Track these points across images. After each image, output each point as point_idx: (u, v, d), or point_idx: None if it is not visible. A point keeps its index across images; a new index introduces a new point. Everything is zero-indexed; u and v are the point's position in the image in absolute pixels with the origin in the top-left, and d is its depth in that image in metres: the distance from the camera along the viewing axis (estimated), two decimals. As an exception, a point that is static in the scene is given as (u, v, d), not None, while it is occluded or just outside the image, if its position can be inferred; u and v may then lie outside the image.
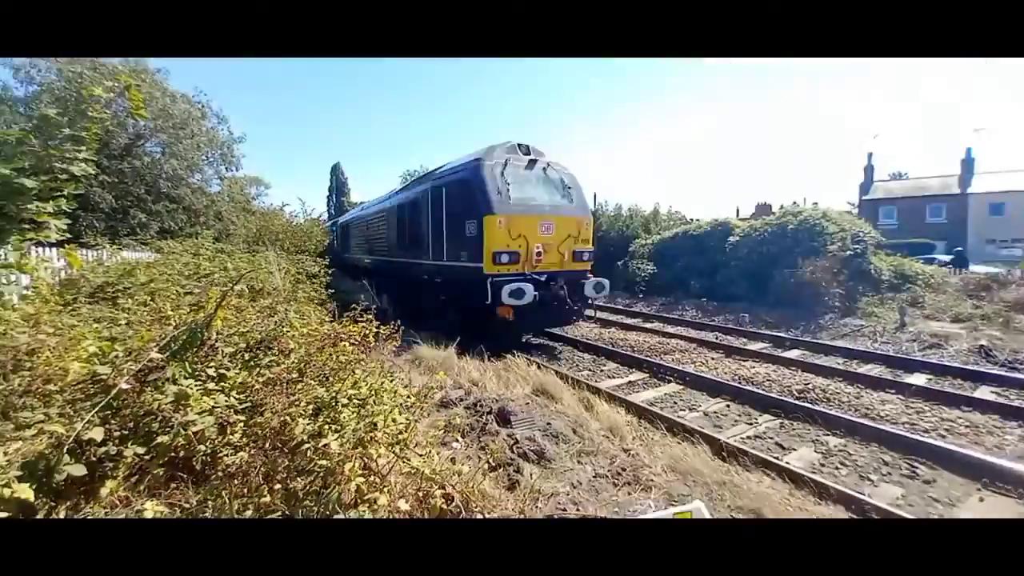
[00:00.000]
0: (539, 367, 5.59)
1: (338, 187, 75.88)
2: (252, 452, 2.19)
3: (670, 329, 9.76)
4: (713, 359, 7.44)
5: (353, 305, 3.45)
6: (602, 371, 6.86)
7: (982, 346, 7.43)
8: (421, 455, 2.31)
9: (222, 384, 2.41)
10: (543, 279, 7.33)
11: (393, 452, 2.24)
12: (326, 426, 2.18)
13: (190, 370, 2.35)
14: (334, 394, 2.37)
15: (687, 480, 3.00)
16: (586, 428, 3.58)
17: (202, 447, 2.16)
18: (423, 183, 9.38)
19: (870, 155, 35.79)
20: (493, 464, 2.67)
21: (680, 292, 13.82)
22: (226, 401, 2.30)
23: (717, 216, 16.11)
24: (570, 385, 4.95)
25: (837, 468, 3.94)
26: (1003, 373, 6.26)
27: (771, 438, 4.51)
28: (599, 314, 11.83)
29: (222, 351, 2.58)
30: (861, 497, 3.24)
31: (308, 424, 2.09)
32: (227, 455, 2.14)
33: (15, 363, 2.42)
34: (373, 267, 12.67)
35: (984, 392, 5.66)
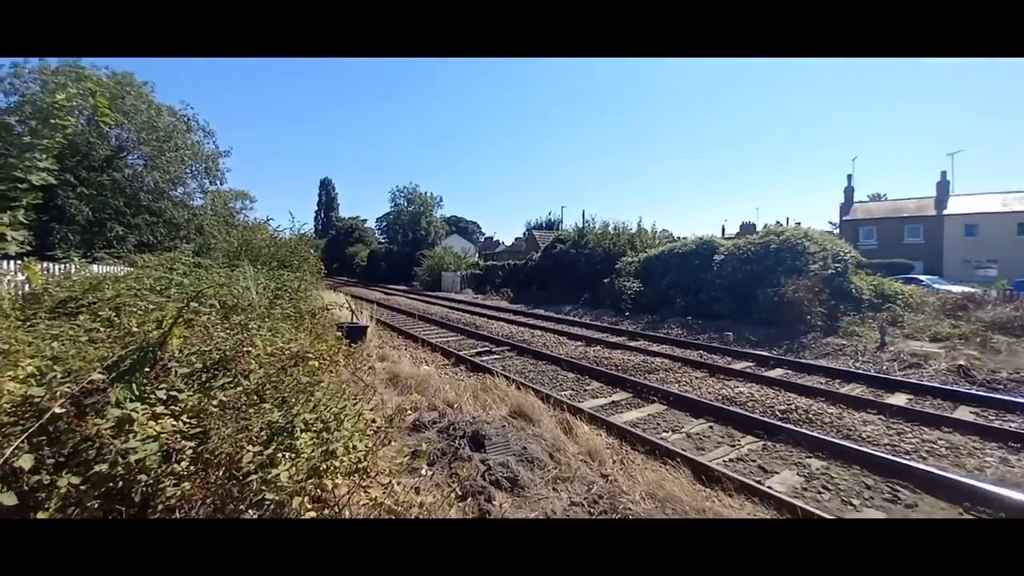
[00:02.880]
0: (519, 387, 5.47)
1: (327, 202, 75.25)
2: (198, 483, 2.04)
3: (655, 347, 9.73)
4: (697, 378, 7.39)
5: (338, 322, 3.34)
6: (586, 391, 6.76)
7: (960, 366, 7.50)
8: (383, 485, 2.18)
9: (172, 408, 2.26)
10: None
11: (352, 481, 2.11)
12: (279, 454, 2.04)
13: (138, 393, 2.21)
14: (291, 419, 2.24)
15: (666, 508, 2.90)
16: (564, 452, 3.47)
17: (143, 476, 2.01)
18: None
19: (850, 177, 36.88)
20: (462, 493, 2.54)
21: (666, 310, 13.85)
22: (174, 426, 2.16)
23: (703, 234, 16.31)
24: (551, 406, 4.84)
25: (820, 492, 3.87)
26: (981, 393, 6.30)
27: (754, 460, 4.44)
28: (586, 332, 11.79)
29: (176, 371, 2.44)
30: (843, 524, 3.16)
31: (257, 452, 1.96)
32: (170, 485, 1.99)
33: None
34: None
35: (963, 412, 5.68)
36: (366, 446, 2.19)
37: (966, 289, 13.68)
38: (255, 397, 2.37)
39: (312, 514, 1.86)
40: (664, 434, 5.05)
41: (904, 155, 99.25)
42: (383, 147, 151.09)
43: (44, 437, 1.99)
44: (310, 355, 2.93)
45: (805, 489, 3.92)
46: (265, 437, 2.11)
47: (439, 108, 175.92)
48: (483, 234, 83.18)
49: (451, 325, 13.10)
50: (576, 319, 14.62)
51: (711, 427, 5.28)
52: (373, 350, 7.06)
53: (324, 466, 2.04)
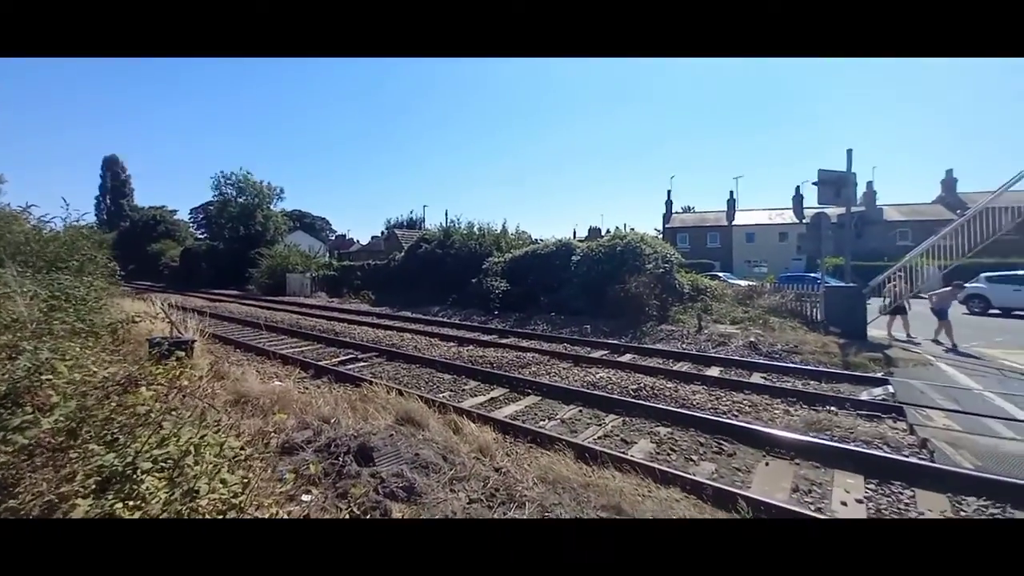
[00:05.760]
0: (400, 393, 5.25)
1: (115, 187, 59.61)
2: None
3: (525, 343, 10.28)
4: (564, 368, 8.04)
5: (154, 337, 2.71)
6: (464, 390, 6.80)
7: (752, 342, 9.62)
8: (264, 518, 1.88)
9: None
10: None
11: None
12: (119, 503, 1.61)
13: None
14: (130, 458, 1.78)
15: (557, 488, 3.10)
16: (456, 453, 3.44)
17: None
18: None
19: (669, 192, 44.60)
20: (357, 512, 2.33)
21: (532, 307, 14.75)
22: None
23: (561, 237, 17.81)
24: (436, 409, 4.75)
25: (669, 454, 4.56)
26: (767, 362, 8.19)
27: (617, 435, 5.02)
28: (457, 332, 11.86)
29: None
30: (689, 477, 3.79)
31: (91, 506, 1.52)
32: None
33: None
34: None
35: (756, 378, 7.30)
36: (241, 478, 1.86)
37: (750, 283, 17.56)
38: (71, 437, 1.82)
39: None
40: (542, 422, 5.39)
41: (709, 174, 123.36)
42: (196, 130, 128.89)
43: None
44: (138, 381, 2.37)
45: (658, 453, 4.58)
46: (94, 485, 1.64)
47: (273, 95, 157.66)
48: (334, 231, 76.63)
49: (305, 333, 11.79)
50: (446, 320, 14.58)
51: (580, 411, 5.81)
52: (205, 368, 5.92)
53: (186, 509, 1.67)
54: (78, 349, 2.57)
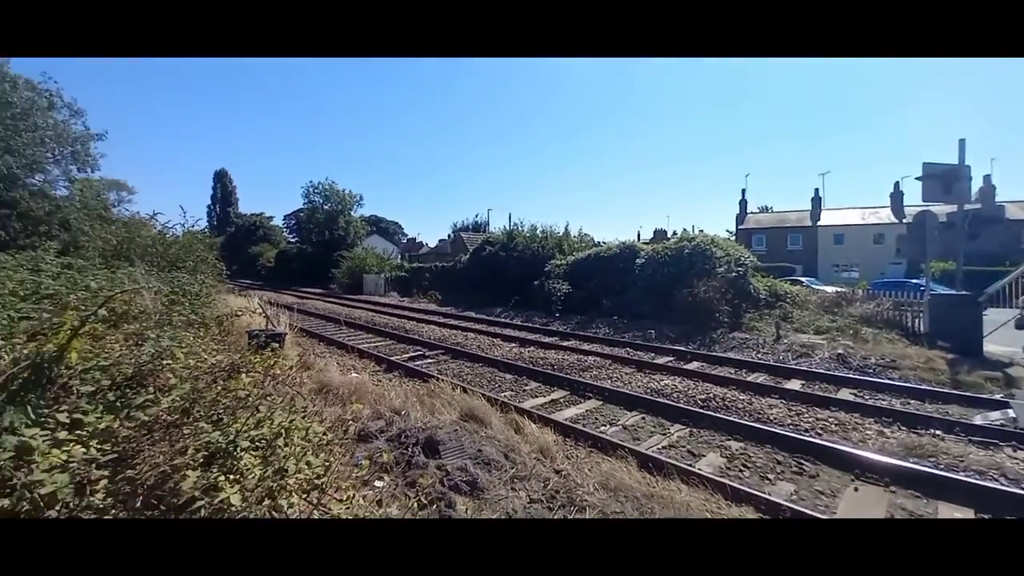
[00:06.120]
0: (464, 390, 5.41)
1: (224, 196, 67.73)
2: (119, 515, 1.76)
3: (586, 347, 10.15)
4: (627, 374, 7.83)
5: (252, 329, 3.03)
6: (525, 390, 6.86)
7: (839, 354, 8.75)
8: (342, 500, 2.04)
9: (78, 432, 1.92)
10: None
11: (308, 502, 1.94)
12: (222, 477, 1.82)
13: (34, 416, 1.85)
14: (232, 437, 2.01)
15: (619, 496, 3.04)
16: (518, 452, 3.49)
17: (54, 512, 1.68)
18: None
19: (743, 191, 41.60)
20: (424, 501, 2.45)
21: (594, 310, 14.52)
22: (84, 453, 1.84)
23: (624, 239, 17.35)
24: (498, 408, 4.84)
25: (741, 471, 4.28)
26: (857, 377, 7.41)
27: (683, 446, 4.80)
28: (519, 333, 11.97)
29: (77, 390, 2.08)
30: (764, 496, 3.54)
31: (199, 477, 1.73)
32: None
33: None
34: None
35: (845, 394, 6.63)
36: (323, 461, 2.02)
37: (837, 289, 15.98)
38: (184, 416, 2.09)
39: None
40: (603, 427, 5.29)
41: (788, 168, 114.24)
42: (289, 143, 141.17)
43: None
44: (240, 368, 2.65)
45: (729, 468, 4.32)
46: (202, 459, 1.87)
47: (353, 105, 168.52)
48: (405, 235, 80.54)
49: (379, 330, 12.57)
50: (508, 321, 14.77)
51: (643, 418, 5.63)
52: (294, 358, 6.51)
53: (276, 486, 1.85)
54: (191, 338, 2.94)
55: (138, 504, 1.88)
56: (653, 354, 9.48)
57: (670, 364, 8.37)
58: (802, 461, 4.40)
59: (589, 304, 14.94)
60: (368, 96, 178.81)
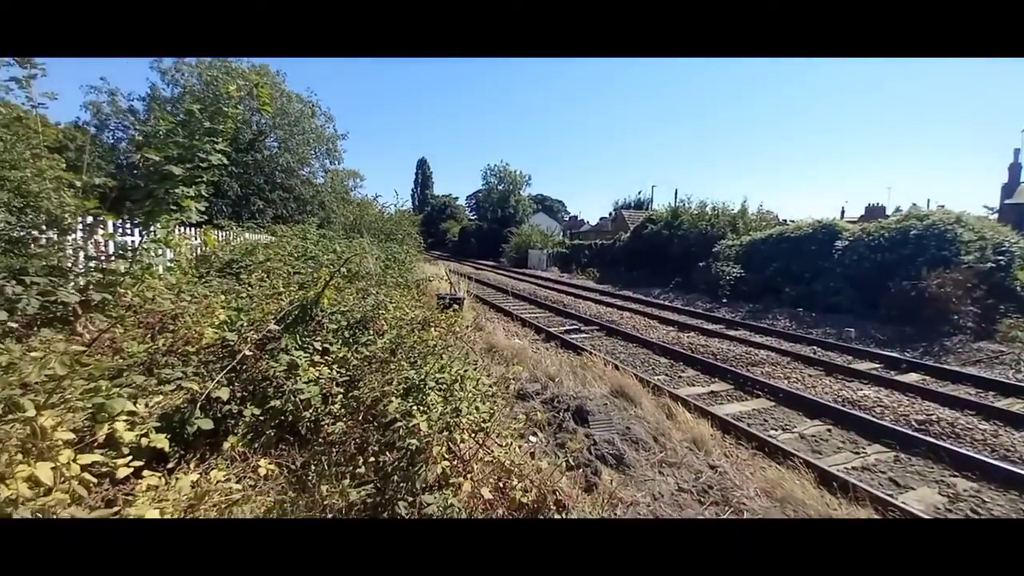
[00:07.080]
0: (616, 367, 5.42)
1: (423, 181, 79.42)
2: (349, 423, 2.35)
3: (758, 339, 9.00)
4: (810, 376, 6.73)
5: (440, 293, 3.58)
6: (681, 377, 6.50)
7: None
8: (502, 446, 2.33)
9: (326, 358, 2.61)
10: None
11: (475, 440, 2.28)
12: (415, 407, 2.27)
13: (300, 343, 2.58)
14: (423, 376, 2.46)
15: (786, 509, 2.72)
16: (668, 437, 3.40)
17: (307, 414, 2.35)
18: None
19: (1017, 151, 29.84)
20: (571, 463, 2.62)
21: (770, 299, 12.69)
22: (329, 373, 2.49)
23: (820, 217, 14.47)
24: (649, 390, 4.74)
25: (968, 516, 3.37)
26: None
27: (883, 472, 3.98)
28: (678, 317, 11.25)
29: (327, 327, 2.80)
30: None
31: (400, 403, 2.19)
32: (328, 424, 2.32)
33: (160, 325, 2.81)
34: None
35: None
36: (489, 408, 2.33)
37: None
38: (391, 355, 2.65)
39: (446, 463, 2.04)
40: (773, 432, 4.72)
41: (1108, 122, 78.23)
42: (473, 127, 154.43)
43: (233, 374, 2.40)
44: (431, 323, 3.19)
45: (949, 511, 3.45)
46: (402, 391, 2.36)
47: (525, 90, 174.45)
48: (568, 213, 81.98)
49: (539, 302, 13.29)
50: (667, 303, 13.98)
51: (829, 430, 4.82)
52: (470, 320, 7.48)
53: (452, 422, 2.22)
54: (399, 296, 3.65)
55: (360, 417, 2.49)
56: (850, 357, 7.91)
57: (874, 372, 6.88)
58: (1079, 525, 3.23)
59: (764, 291, 13.10)
60: (550, 96, 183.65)
